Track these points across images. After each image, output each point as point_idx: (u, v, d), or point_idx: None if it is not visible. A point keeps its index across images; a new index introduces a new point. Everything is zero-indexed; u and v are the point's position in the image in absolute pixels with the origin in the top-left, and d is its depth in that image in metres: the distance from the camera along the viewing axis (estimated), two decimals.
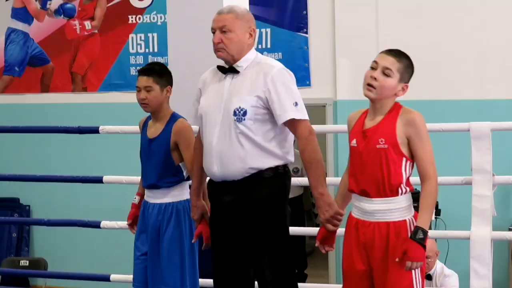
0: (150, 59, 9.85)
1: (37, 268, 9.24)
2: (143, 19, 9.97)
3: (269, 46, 9.43)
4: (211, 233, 4.84)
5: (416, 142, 4.34)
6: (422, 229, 4.25)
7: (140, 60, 9.95)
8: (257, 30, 9.17)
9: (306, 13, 9.35)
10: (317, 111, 9.37)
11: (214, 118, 4.62)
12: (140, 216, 5.54)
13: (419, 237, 4.24)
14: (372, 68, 4.42)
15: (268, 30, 9.45)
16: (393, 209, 4.38)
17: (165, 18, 9.12)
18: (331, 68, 9.24)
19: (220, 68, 4.72)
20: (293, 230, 7.99)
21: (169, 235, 5.36)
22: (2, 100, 10.47)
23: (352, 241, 4.51)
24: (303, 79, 9.33)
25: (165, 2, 7.10)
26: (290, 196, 10.37)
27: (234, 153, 4.53)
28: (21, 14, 10.52)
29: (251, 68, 4.62)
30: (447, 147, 7.35)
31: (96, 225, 6.57)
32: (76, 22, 10.29)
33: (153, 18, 9.91)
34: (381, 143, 4.35)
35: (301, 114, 4.57)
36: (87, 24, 10.24)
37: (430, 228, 5.12)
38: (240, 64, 4.63)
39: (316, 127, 7.89)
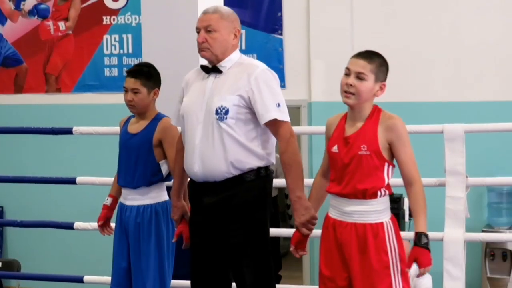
0: (125, 60, 9.83)
1: (10, 269, 9.18)
2: (118, 20, 9.94)
3: (244, 47, 9.42)
4: (190, 234, 4.82)
5: (398, 147, 4.35)
6: (423, 233, 4.28)
7: (114, 61, 9.92)
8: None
9: (281, 15, 9.36)
10: (291, 113, 9.28)
11: (196, 117, 4.60)
12: (117, 219, 5.51)
13: (424, 242, 4.27)
14: (346, 75, 4.42)
15: (243, 31, 9.42)
16: (371, 211, 4.38)
17: (139, 19, 9.09)
18: (306, 70, 9.24)
19: (203, 67, 4.71)
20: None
21: (149, 237, 5.33)
22: None
23: (330, 243, 4.51)
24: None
25: (139, 3, 7.09)
26: None
27: (216, 152, 4.52)
28: None
29: (234, 68, 4.62)
30: (421, 149, 7.30)
31: (69, 226, 6.56)
32: (50, 23, 10.24)
33: (128, 19, 9.89)
34: (363, 149, 4.35)
35: (284, 115, 4.58)
36: (61, 24, 10.20)
37: (403, 230, 5.13)
38: (224, 64, 4.63)
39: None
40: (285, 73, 9.35)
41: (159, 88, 5.47)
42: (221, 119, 4.49)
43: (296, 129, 8.36)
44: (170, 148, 5.22)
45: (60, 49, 10.22)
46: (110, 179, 5.87)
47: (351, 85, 4.36)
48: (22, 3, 10.33)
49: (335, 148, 4.48)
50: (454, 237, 5.59)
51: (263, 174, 4.64)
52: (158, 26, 6.73)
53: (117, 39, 9.96)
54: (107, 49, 10.01)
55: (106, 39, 10.00)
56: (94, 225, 6.33)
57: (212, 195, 4.59)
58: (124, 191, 5.46)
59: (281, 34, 9.38)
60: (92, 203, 8.09)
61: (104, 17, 9.99)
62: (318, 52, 9.11)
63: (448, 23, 8.75)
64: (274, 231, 7.18)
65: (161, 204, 5.39)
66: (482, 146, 7.94)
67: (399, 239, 4.41)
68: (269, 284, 4.70)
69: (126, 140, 5.47)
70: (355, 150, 4.38)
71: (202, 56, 4.69)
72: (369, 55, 4.40)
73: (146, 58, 6.82)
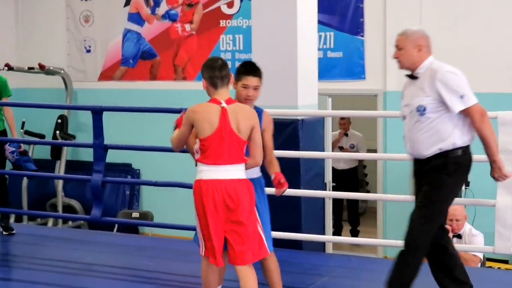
0: (237, 55, 9.87)
1: (145, 219, 9.35)
2: (232, 23, 9.96)
3: (332, 46, 9.35)
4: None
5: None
6: None
7: (228, 56, 9.95)
8: (323, 34, 9.21)
9: (363, 20, 9.24)
10: (370, 100, 9.29)
11: (407, 113, 4.60)
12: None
13: None
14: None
15: (332, 33, 9.36)
16: None
17: (249, 23, 9.07)
18: (382, 65, 9.13)
19: (408, 75, 4.67)
20: (349, 194, 8.02)
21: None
22: (119, 86, 10.59)
23: None
24: (359, 73, 9.26)
25: (249, 10, 7.07)
26: (347, 167, 10.39)
27: (418, 139, 4.49)
28: (135, 18, 10.60)
29: (426, 72, 4.53)
30: None
31: (190, 186, 6.53)
32: (178, 25, 10.33)
33: (240, 23, 9.90)
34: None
35: (468, 102, 4.40)
36: (187, 26, 10.28)
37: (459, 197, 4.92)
38: (418, 71, 4.57)
39: (369, 113, 7.91)
40: (365, 68, 9.25)
41: None
42: (421, 115, 4.45)
43: (373, 113, 8.39)
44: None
45: (186, 46, 10.30)
46: None
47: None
48: (157, 9, 10.43)
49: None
50: (504, 204, 5.47)
51: (452, 153, 4.48)
52: (265, 28, 6.71)
53: (231, 38, 9.98)
54: (223, 46, 10.04)
55: (222, 38, 10.04)
56: None
57: (417, 164, 4.58)
58: None
59: (362, 36, 9.27)
60: None
61: (221, 21, 10.02)
62: (392, 51, 8.96)
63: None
64: (354, 195, 7.17)
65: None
66: None
67: None
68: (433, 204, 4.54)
69: None
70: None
71: (399, 68, 4.73)
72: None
73: (255, 54, 6.81)
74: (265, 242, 4.43)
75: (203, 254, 4.32)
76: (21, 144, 6.94)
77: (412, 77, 4.60)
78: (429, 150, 4.43)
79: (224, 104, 4.27)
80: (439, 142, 4.41)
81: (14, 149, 6.84)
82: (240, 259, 4.27)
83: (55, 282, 5.54)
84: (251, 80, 4.61)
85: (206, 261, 4.32)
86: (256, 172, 4.63)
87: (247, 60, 4.93)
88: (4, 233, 6.92)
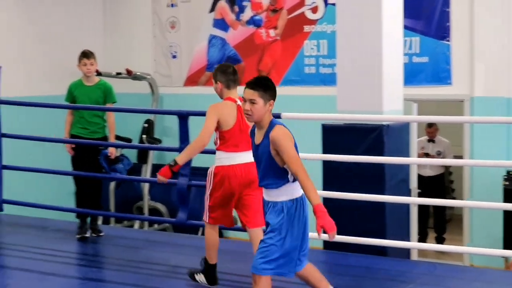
0: (321, 60, 9.88)
1: None
2: (316, 29, 9.97)
3: (418, 51, 9.27)
4: None
5: None
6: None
7: (312, 61, 9.97)
8: (408, 39, 9.13)
9: (449, 25, 9.13)
10: (456, 105, 9.16)
11: None
12: None
13: None
14: None
15: (417, 38, 9.27)
16: None
17: (334, 28, 9.06)
18: (468, 70, 9.00)
19: None
20: (435, 201, 7.91)
21: None
22: (205, 91, 10.69)
23: None
24: (445, 79, 9.15)
25: (334, 15, 7.08)
26: (433, 173, 10.31)
27: None
28: (220, 24, 10.73)
29: None
30: None
31: None
32: (263, 31, 10.40)
33: (324, 28, 9.90)
34: None
35: None
36: (271, 32, 10.34)
37: None
38: None
39: (455, 118, 7.81)
40: (452, 73, 9.12)
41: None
42: None
43: (460, 118, 8.28)
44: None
45: (270, 51, 10.36)
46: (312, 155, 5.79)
47: None
48: (241, 15, 10.53)
49: None
50: None
51: None
52: (349, 33, 6.71)
53: (315, 43, 9.99)
54: (306, 52, 10.06)
55: (306, 43, 10.06)
56: None
57: None
58: None
59: (448, 40, 9.15)
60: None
61: (305, 26, 10.04)
62: (480, 56, 8.86)
63: None
64: (440, 201, 7.08)
65: None
66: None
67: None
68: None
69: None
70: None
71: None
72: None
73: (339, 59, 6.82)
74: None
75: (207, 221, 5.18)
76: (113, 151, 7.06)
77: None
78: None
79: (239, 102, 5.04)
80: None
81: (102, 156, 7.02)
82: (252, 223, 5.09)
83: (142, 284, 5.66)
84: (247, 93, 4.34)
85: (209, 226, 5.20)
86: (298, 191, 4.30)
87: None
88: (93, 235, 7.10)
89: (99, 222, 8.14)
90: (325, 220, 4.00)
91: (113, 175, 7.28)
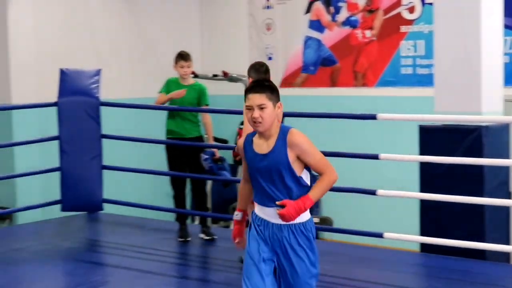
0: (418, 61, 9.75)
1: (325, 224, 9.45)
2: (413, 29, 9.86)
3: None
4: None
5: None
6: None
7: (409, 62, 9.85)
8: (508, 38, 8.90)
9: None
10: None
11: None
12: None
13: None
14: None
15: (510, 38, 9.03)
16: None
17: (431, 28, 8.94)
18: None
19: None
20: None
21: None
22: (300, 92, 10.74)
23: None
24: None
25: (431, 15, 7.00)
26: None
27: None
28: (316, 25, 10.73)
29: None
30: None
31: (373, 192, 6.51)
32: (359, 31, 10.35)
33: (421, 28, 9.77)
34: None
35: None
36: (367, 32, 10.28)
37: None
38: None
39: None
40: None
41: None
42: None
43: None
44: None
45: (366, 52, 10.30)
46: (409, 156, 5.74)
47: None
48: (337, 15, 10.50)
49: None
50: None
51: None
52: (447, 33, 6.62)
53: (412, 44, 9.87)
54: (403, 52, 9.95)
55: (403, 44, 9.95)
56: (393, 193, 6.35)
57: None
58: None
59: None
60: (392, 175, 8.13)
61: (401, 26, 9.94)
62: None
63: None
64: (505, 202, 6.75)
65: None
66: None
67: None
68: None
69: None
70: None
71: None
72: None
73: (437, 59, 6.74)
74: None
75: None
76: (215, 152, 7.16)
77: None
78: None
79: None
80: None
81: (207, 156, 7.10)
82: None
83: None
84: (253, 99, 3.86)
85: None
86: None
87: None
88: (206, 237, 7.15)
89: (196, 222, 8.24)
90: (297, 205, 3.80)
91: (223, 175, 7.36)
